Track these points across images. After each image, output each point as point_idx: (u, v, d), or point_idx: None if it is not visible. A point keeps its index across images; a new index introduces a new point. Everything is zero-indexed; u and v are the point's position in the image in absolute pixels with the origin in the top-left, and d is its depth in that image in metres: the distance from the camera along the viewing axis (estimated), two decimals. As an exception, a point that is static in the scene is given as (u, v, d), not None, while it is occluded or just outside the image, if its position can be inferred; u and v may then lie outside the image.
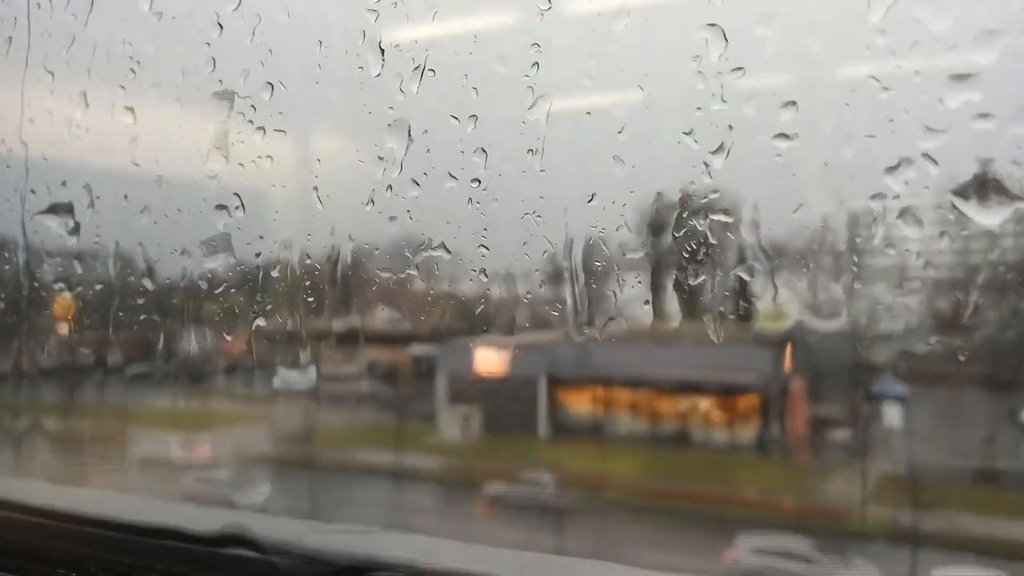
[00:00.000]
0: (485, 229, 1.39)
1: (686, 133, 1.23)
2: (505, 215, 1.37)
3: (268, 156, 1.55)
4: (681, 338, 1.36)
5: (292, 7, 1.49)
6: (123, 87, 1.68)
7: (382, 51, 1.41)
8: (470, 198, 1.38)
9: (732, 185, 1.23)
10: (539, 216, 1.35)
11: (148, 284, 1.75)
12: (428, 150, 1.41)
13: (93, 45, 1.72)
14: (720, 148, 1.21)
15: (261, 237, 1.60)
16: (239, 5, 1.53)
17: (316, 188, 1.54)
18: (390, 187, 1.45)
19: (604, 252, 1.33)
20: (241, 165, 1.57)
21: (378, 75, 1.41)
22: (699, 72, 1.20)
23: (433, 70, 1.37)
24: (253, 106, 1.53)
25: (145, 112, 1.68)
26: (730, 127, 1.19)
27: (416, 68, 1.38)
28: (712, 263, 1.30)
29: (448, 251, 1.42)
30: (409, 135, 1.40)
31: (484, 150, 1.36)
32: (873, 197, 1.15)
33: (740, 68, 1.18)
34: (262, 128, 1.54)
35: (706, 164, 1.23)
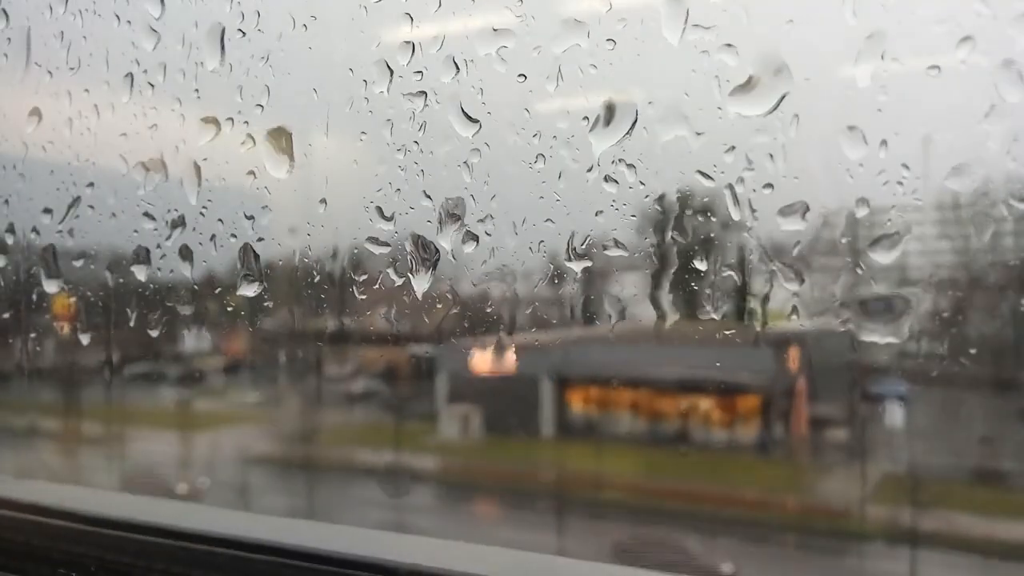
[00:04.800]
0: (486, 230, 1.39)
1: (686, 133, 1.23)
2: (505, 215, 1.37)
3: (268, 157, 1.55)
4: (682, 338, 1.36)
5: (292, 7, 1.49)
6: (117, 87, 1.68)
7: (383, 58, 1.41)
8: (471, 196, 1.38)
9: (733, 184, 1.23)
10: (539, 215, 1.35)
11: (150, 284, 1.76)
12: (431, 152, 1.41)
13: (88, 45, 1.73)
14: (721, 147, 1.21)
15: (260, 239, 1.60)
16: (238, 5, 1.53)
17: (316, 188, 1.54)
18: (390, 186, 1.45)
19: (604, 252, 1.33)
20: (243, 166, 1.57)
21: (378, 74, 1.41)
22: (699, 72, 1.20)
23: (431, 70, 1.37)
24: (255, 106, 1.53)
25: (142, 111, 1.68)
26: (731, 125, 1.19)
27: (416, 68, 1.38)
28: (713, 263, 1.30)
29: (448, 250, 1.42)
30: (407, 134, 1.40)
31: (484, 150, 1.36)
32: (874, 196, 1.15)
33: (740, 67, 1.18)
34: (261, 129, 1.54)
35: (706, 163, 1.23)
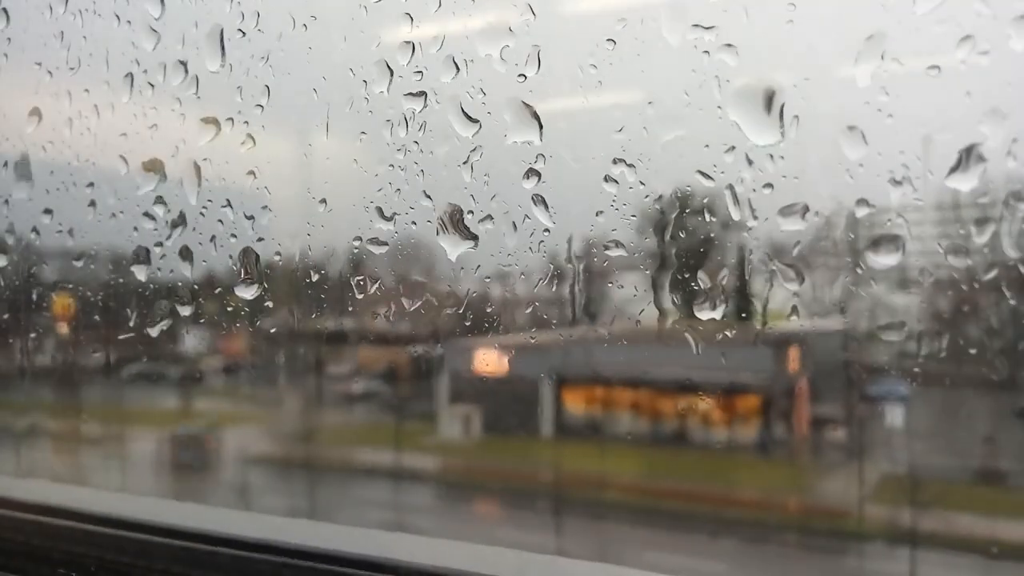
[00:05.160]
0: (486, 230, 1.39)
1: (686, 133, 1.23)
2: (504, 215, 1.37)
3: (268, 158, 1.55)
4: (681, 338, 1.36)
5: (292, 7, 1.49)
6: (117, 87, 1.69)
7: (385, 60, 1.41)
8: (471, 196, 1.38)
9: (733, 184, 1.23)
10: (538, 216, 1.35)
11: (151, 284, 1.76)
12: (431, 152, 1.41)
13: (88, 45, 1.74)
14: (721, 147, 1.21)
15: (260, 239, 1.60)
16: (238, 5, 1.53)
17: (317, 189, 1.54)
18: (390, 186, 1.45)
19: (604, 252, 1.33)
20: (241, 167, 1.57)
21: (378, 74, 1.41)
22: (699, 72, 1.20)
23: (431, 70, 1.37)
24: (255, 106, 1.53)
25: (142, 111, 1.68)
26: (733, 124, 1.19)
27: (416, 68, 1.38)
28: (713, 263, 1.30)
29: (448, 250, 1.42)
30: (407, 134, 1.40)
31: (483, 150, 1.36)
32: (873, 196, 1.15)
33: (740, 67, 1.18)
34: (262, 130, 1.54)
35: (707, 163, 1.23)
